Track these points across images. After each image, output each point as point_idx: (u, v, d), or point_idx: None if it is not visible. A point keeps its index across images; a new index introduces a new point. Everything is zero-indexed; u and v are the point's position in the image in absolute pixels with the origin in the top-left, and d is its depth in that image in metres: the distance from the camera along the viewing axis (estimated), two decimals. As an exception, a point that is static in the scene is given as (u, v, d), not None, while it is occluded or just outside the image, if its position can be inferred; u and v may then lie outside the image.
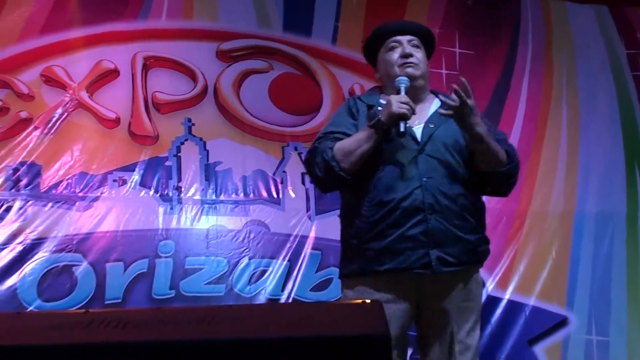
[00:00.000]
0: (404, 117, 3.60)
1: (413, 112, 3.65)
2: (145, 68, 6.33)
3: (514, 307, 6.73)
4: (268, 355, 2.30)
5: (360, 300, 2.53)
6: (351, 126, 3.84)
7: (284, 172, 6.46)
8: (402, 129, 3.61)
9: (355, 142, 3.69)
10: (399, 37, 3.92)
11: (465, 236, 3.72)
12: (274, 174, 6.44)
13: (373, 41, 4.02)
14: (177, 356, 2.31)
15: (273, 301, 6.13)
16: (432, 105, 3.95)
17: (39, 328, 2.39)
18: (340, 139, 3.77)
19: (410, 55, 3.86)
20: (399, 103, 3.60)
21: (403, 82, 3.77)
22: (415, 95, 3.83)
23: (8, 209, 5.81)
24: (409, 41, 3.91)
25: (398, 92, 3.74)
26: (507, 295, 6.74)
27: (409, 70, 3.83)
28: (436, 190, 3.68)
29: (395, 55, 3.88)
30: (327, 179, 3.77)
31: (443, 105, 3.74)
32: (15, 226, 5.80)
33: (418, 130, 3.80)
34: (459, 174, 3.76)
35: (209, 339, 2.33)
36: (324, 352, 2.31)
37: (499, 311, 6.67)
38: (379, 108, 3.82)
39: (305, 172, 6.14)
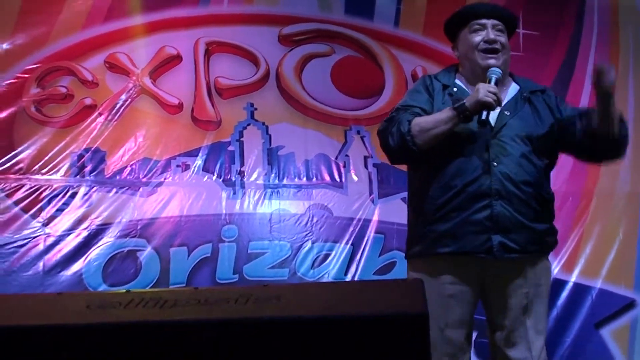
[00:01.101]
0: (489, 107, 3.58)
1: (499, 104, 3.63)
2: (208, 53, 6.35)
3: (580, 290, 6.67)
4: (305, 335, 2.31)
5: (400, 279, 2.52)
6: (428, 103, 3.85)
7: (347, 155, 6.44)
8: (483, 117, 3.59)
9: (433, 122, 3.68)
10: (484, 20, 3.87)
11: (531, 224, 3.69)
12: (336, 157, 6.43)
13: (457, 19, 3.98)
14: (214, 335, 2.32)
15: (329, 284, 6.16)
16: (509, 90, 3.92)
17: (79, 308, 2.42)
18: (418, 114, 3.77)
19: (494, 42, 3.82)
20: (486, 91, 3.57)
21: (495, 73, 3.74)
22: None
23: (73, 195, 5.88)
24: (494, 26, 3.87)
25: (489, 81, 3.71)
26: (573, 278, 6.68)
27: (491, 62, 3.80)
28: (505, 176, 3.67)
29: (478, 38, 3.85)
30: (399, 150, 3.77)
31: (530, 92, 3.88)
32: (80, 212, 5.87)
33: (493, 116, 3.76)
34: (530, 162, 3.74)
35: (245, 318, 2.34)
36: (362, 331, 2.30)
37: (564, 294, 6.61)
38: (454, 89, 3.83)
39: (368, 155, 6.21)
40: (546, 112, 3.85)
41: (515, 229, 3.67)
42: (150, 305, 2.42)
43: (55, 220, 5.82)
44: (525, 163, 3.73)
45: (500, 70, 3.76)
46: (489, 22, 3.86)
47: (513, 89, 3.92)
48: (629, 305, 6.71)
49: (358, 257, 6.31)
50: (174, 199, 6.07)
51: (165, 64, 6.25)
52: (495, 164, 3.68)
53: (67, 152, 5.92)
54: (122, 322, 2.35)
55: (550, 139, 3.83)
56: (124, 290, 2.60)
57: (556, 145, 3.87)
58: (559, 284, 6.48)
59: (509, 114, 3.79)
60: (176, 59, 6.28)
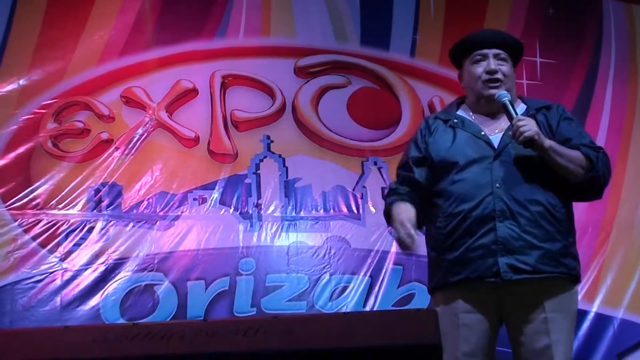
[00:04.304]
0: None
1: (407, 249, 3.62)
2: (224, 86, 6.36)
3: (601, 320, 6.61)
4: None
5: (414, 309, 2.48)
6: (415, 151, 3.88)
7: (364, 187, 6.42)
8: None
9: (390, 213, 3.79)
10: (485, 51, 3.83)
11: (541, 244, 3.61)
12: (353, 189, 6.42)
13: (458, 50, 3.96)
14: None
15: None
16: (517, 110, 3.88)
17: (84, 342, 2.41)
18: (408, 178, 3.85)
19: (495, 72, 3.80)
20: (400, 235, 3.60)
21: (504, 96, 3.72)
22: (499, 108, 3.77)
23: (90, 230, 5.88)
24: (495, 55, 3.83)
25: (503, 107, 3.69)
26: (594, 308, 6.63)
27: (493, 92, 3.77)
28: (508, 196, 3.61)
29: (480, 69, 3.81)
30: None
31: (535, 110, 3.83)
32: (97, 246, 5.87)
33: (497, 138, 3.74)
34: (536, 181, 3.66)
35: (254, 350, 2.32)
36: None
37: (586, 325, 6.56)
38: (455, 120, 3.83)
39: (386, 186, 6.18)
40: (545, 129, 3.80)
41: (524, 250, 3.60)
42: (157, 338, 2.40)
43: (73, 255, 5.81)
44: (531, 181, 3.66)
45: (507, 93, 3.73)
46: (490, 52, 3.83)
47: (520, 109, 3.88)
48: (652, 335, 6.65)
49: (376, 289, 6.27)
50: (191, 232, 6.06)
51: (181, 98, 6.26)
52: (497, 185, 3.64)
53: (84, 186, 5.92)
54: (127, 355, 2.33)
55: None
56: (132, 323, 2.58)
57: None
58: (580, 314, 6.36)
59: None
60: (192, 92, 6.29)
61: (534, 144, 3.55)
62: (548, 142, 3.59)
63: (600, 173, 3.71)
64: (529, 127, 3.54)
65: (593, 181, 3.71)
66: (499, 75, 3.79)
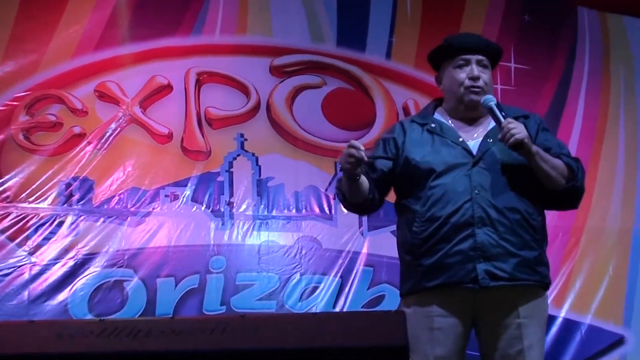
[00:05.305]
0: (347, 171, 3.60)
1: (358, 165, 3.58)
2: (199, 83, 6.34)
3: (569, 326, 6.66)
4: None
5: (382, 311, 2.49)
6: (381, 152, 3.86)
7: (337, 187, 6.42)
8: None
9: (342, 182, 3.75)
10: (468, 56, 3.82)
11: (518, 252, 3.63)
12: (326, 189, 6.42)
13: (441, 53, 3.96)
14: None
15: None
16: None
17: (50, 337, 2.39)
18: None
19: (478, 78, 3.80)
20: (343, 157, 3.57)
21: (490, 100, 3.72)
22: (479, 114, 3.80)
23: (60, 224, 5.84)
24: (478, 61, 3.83)
25: (490, 111, 3.69)
26: (562, 314, 6.69)
27: (474, 97, 3.77)
28: (486, 203, 3.62)
29: (463, 74, 3.80)
30: (346, 207, 3.91)
31: (514, 118, 3.75)
32: (67, 241, 5.84)
33: (475, 145, 3.75)
34: (514, 189, 3.68)
35: (221, 349, 2.31)
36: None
37: (554, 330, 6.60)
38: (432, 125, 3.82)
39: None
40: None
41: (502, 257, 3.61)
42: (123, 335, 2.40)
43: (42, 249, 5.78)
44: (509, 189, 3.68)
45: (493, 97, 3.74)
46: (473, 58, 3.82)
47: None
48: (618, 342, 6.70)
49: (347, 289, 6.27)
50: (162, 229, 6.04)
51: (155, 94, 6.24)
52: (477, 192, 3.64)
53: (54, 180, 5.89)
54: (93, 351, 2.32)
55: None
56: (98, 319, 2.57)
57: None
58: (549, 319, 6.36)
59: (491, 141, 3.75)
60: (167, 88, 6.27)
61: (523, 147, 3.55)
62: (535, 147, 3.60)
63: (580, 183, 3.74)
64: (519, 129, 3.55)
65: (573, 190, 3.73)
66: (480, 82, 3.80)
